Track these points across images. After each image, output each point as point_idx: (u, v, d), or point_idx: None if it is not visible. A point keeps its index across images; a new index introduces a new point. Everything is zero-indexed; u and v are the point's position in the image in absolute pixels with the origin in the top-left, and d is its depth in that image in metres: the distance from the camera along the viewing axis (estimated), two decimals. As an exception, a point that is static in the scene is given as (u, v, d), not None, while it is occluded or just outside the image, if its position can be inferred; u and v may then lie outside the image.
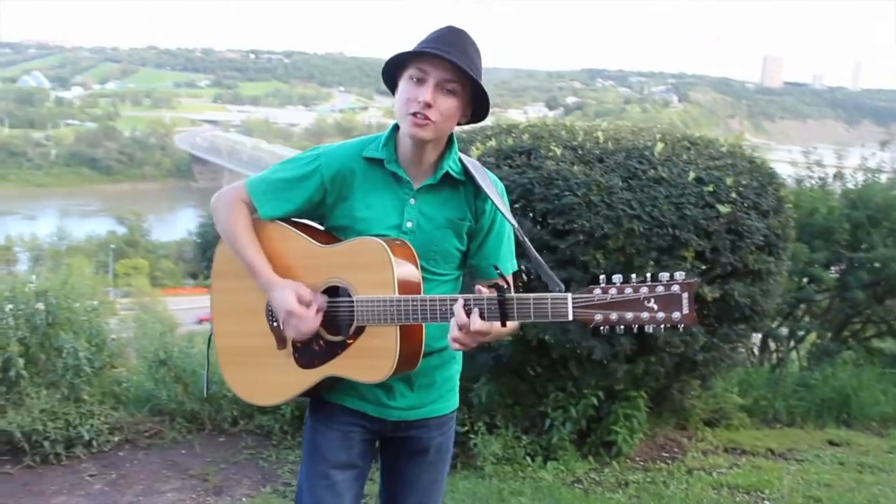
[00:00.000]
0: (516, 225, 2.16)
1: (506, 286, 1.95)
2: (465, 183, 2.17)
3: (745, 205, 4.23)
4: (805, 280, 6.86)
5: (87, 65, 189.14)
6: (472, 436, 4.62)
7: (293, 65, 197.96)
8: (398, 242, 2.08)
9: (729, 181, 4.19)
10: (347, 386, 2.17)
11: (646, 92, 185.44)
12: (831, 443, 5.43)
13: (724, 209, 4.10)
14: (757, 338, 7.02)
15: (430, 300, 1.99)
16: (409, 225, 2.13)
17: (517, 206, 4.24)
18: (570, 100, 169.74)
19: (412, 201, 2.14)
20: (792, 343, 7.36)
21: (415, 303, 1.99)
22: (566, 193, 4.06)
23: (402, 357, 2.03)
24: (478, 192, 2.15)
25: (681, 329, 1.84)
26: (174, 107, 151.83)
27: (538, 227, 4.17)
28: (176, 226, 70.22)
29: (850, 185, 7.53)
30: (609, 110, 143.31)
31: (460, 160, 2.18)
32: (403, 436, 2.27)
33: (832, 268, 7.00)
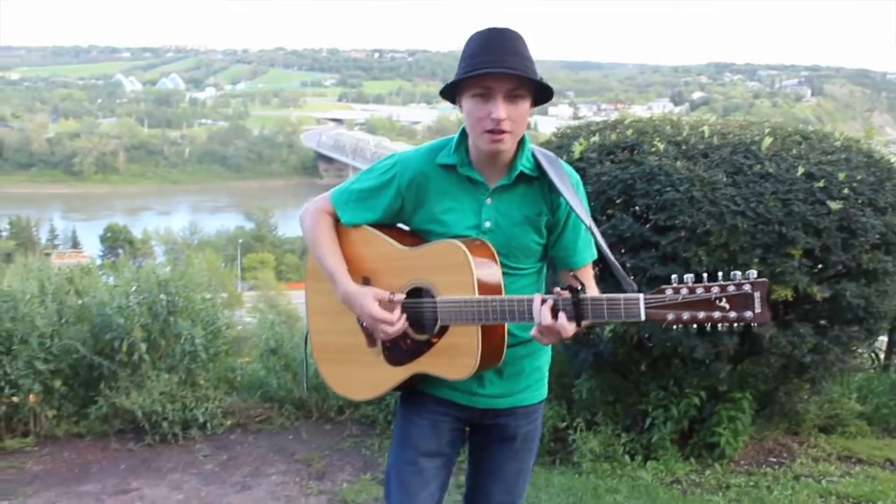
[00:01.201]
0: (590, 222, 2.17)
1: (580, 287, 1.98)
2: (540, 178, 2.19)
3: (860, 201, 4.03)
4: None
5: (219, 66, 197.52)
6: (571, 432, 4.61)
7: (416, 63, 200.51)
8: (478, 243, 2.14)
9: (841, 176, 4.00)
10: (439, 378, 2.22)
11: (776, 86, 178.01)
12: (958, 456, 5.10)
13: (834, 205, 3.92)
14: (882, 342, 6.66)
15: (508, 301, 2.05)
16: (487, 224, 2.17)
17: (618, 201, 4.19)
18: (697, 95, 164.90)
19: (488, 201, 2.18)
20: (921, 349, 6.94)
21: (494, 303, 2.05)
22: (668, 189, 3.98)
23: (484, 355, 2.10)
24: (552, 186, 2.17)
25: (755, 327, 1.82)
26: (301, 106, 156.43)
27: (639, 224, 4.11)
28: (301, 222, 72.19)
29: None
30: (737, 105, 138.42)
31: (533, 155, 2.20)
32: (491, 423, 2.32)
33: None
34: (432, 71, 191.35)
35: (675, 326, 1.89)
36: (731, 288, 1.83)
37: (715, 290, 1.84)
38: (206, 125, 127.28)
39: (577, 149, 4.36)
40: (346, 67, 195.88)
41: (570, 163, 4.30)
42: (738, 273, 1.84)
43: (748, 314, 1.82)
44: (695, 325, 1.88)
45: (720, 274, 1.86)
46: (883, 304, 4.27)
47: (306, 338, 2.45)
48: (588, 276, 2.27)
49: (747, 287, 1.82)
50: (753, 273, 1.83)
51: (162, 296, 5.22)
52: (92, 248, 55.97)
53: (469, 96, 2.08)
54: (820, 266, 4.11)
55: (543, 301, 1.98)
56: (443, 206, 2.19)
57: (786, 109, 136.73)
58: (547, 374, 2.39)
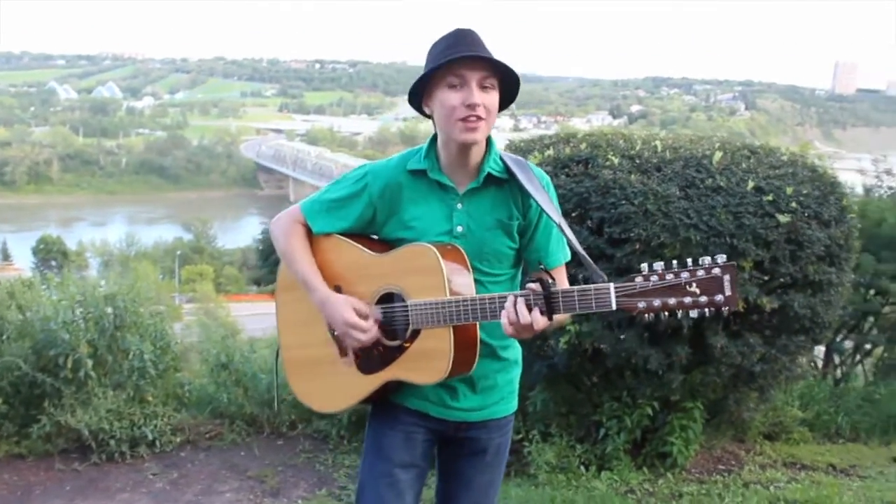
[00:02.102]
0: (560, 219, 2.18)
1: (551, 281, 1.99)
2: (510, 181, 2.21)
3: (806, 214, 4.15)
4: (872, 292, 6.67)
5: (157, 75, 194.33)
6: (526, 444, 4.63)
7: (357, 74, 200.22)
8: (449, 247, 2.14)
9: (789, 190, 4.12)
10: (412, 388, 2.23)
11: (712, 100, 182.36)
12: (896, 460, 5.27)
13: (783, 219, 4.03)
14: (820, 351, 6.85)
15: (479, 299, 2.05)
16: (459, 229, 2.18)
17: (573, 214, 4.23)
18: (635, 108, 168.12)
19: (459, 206, 2.19)
20: (857, 356, 7.17)
21: (466, 303, 2.05)
22: (623, 202, 4.04)
23: (457, 358, 2.09)
24: (522, 188, 2.18)
25: (725, 312, 1.82)
26: (240, 116, 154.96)
27: (594, 236, 4.17)
28: (240, 233, 71.53)
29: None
30: (674, 119, 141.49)
31: (501, 158, 2.22)
32: (464, 437, 2.32)
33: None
34: (373, 82, 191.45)
35: (646, 315, 1.88)
36: (701, 272, 1.83)
37: (685, 275, 1.85)
38: (144, 135, 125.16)
39: (532, 162, 4.38)
40: (287, 78, 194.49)
41: (526, 176, 4.39)
42: (707, 258, 1.84)
43: (719, 298, 1.82)
44: (665, 314, 1.87)
45: (689, 260, 1.85)
46: (827, 314, 4.40)
47: (277, 354, 2.42)
48: (562, 277, 2.28)
49: (717, 271, 1.82)
50: (722, 257, 1.83)
51: (109, 310, 5.10)
52: (23, 261, 54.34)
53: (442, 88, 2.10)
54: (767, 277, 4.21)
55: (517, 298, 1.99)
56: (414, 213, 2.20)
57: (720, 123, 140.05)
58: (518, 386, 2.39)
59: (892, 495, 4.50)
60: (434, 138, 2.21)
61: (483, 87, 2.09)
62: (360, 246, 2.24)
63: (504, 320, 2.00)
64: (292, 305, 2.35)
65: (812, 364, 6.79)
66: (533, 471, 4.51)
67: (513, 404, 2.38)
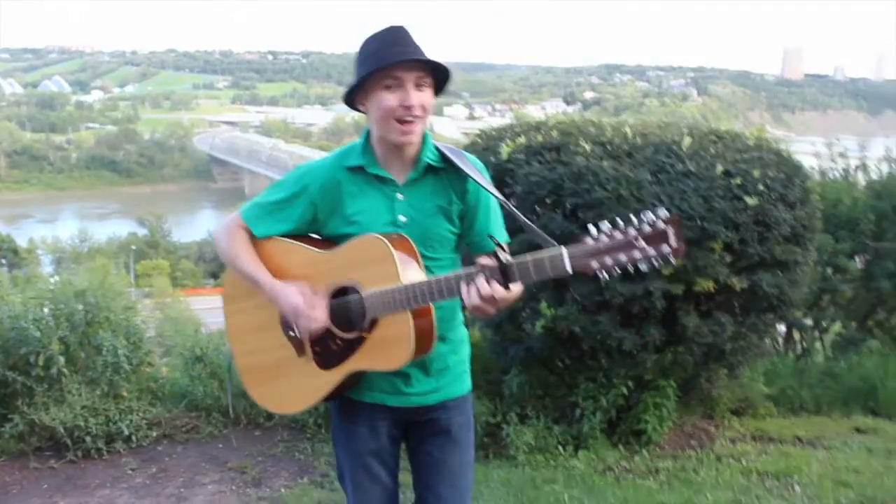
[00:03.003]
0: (501, 197, 2.26)
1: (504, 251, 2.04)
2: (446, 168, 2.26)
3: (773, 196, 4.27)
4: (830, 270, 6.87)
5: (106, 69, 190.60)
6: (504, 426, 4.71)
7: (311, 65, 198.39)
8: (395, 236, 2.18)
9: (756, 173, 4.24)
10: (367, 383, 2.29)
11: (664, 86, 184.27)
12: (858, 430, 5.43)
13: (751, 201, 4.15)
14: (782, 328, 7.04)
15: (435, 281, 2.10)
16: (402, 219, 2.23)
17: (548, 201, 4.31)
18: (588, 95, 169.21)
19: (400, 196, 2.24)
20: (817, 333, 7.37)
21: (422, 286, 2.09)
22: (596, 188, 4.13)
23: (418, 340, 2.13)
24: (459, 174, 2.25)
25: (673, 261, 1.89)
26: (193, 109, 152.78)
27: (568, 222, 4.24)
28: (195, 226, 70.73)
29: (875, 176, 7.52)
30: (627, 105, 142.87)
31: (436, 148, 2.28)
32: (424, 420, 2.37)
33: (857, 258, 7.00)
34: (327, 73, 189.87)
35: (602, 273, 1.93)
36: (647, 228, 1.89)
37: (632, 231, 1.90)
38: (94, 129, 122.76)
39: (505, 150, 4.47)
40: (240, 69, 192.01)
41: (499, 164, 4.45)
42: (650, 212, 1.90)
43: (666, 248, 1.89)
44: (617, 269, 1.92)
45: (632, 216, 1.92)
46: (794, 292, 4.55)
47: (230, 365, 2.46)
48: None
49: (661, 225, 1.89)
50: (663, 211, 1.90)
51: (80, 306, 5.05)
52: (-30, 260, 53.12)
53: (379, 90, 2.15)
54: (737, 258, 4.33)
55: (478, 274, 2.04)
56: (356, 208, 2.24)
57: (673, 108, 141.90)
58: (469, 366, 2.45)
59: (857, 463, 4.66)
60: (367, 134, 2.26)
61: (418, 87, 2.15)
62: (306, 245, 2.28)
63: (466, 295, 2.04)
64: (242, 315, 2.38)
65: (774, 341, 6.98)
66: (512, 452, 4.59)
67: (467, 383, 2.44)
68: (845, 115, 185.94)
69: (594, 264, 1.92)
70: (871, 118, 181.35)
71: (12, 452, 4.85)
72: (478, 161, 2.33)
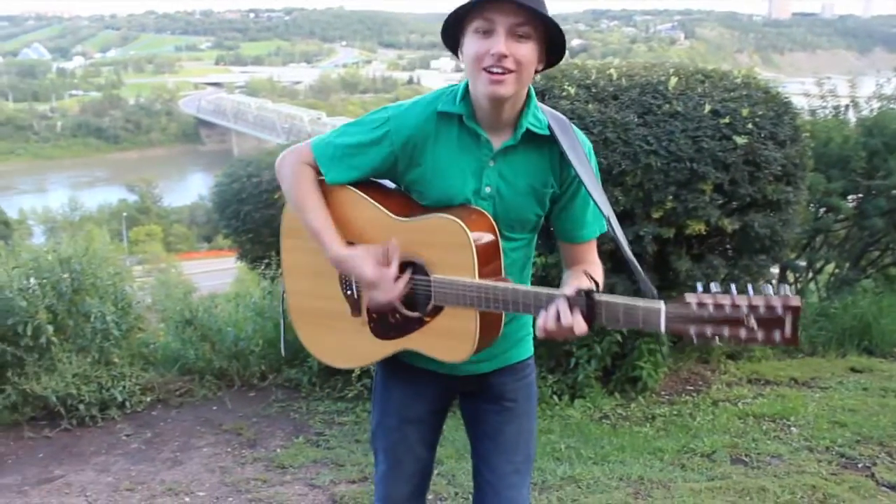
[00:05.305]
0: (611, 215, 1.97)
1: (595, 285, 1.86)
2: (550, 143, 1.98)
3: (762, 135, 4.21)
4: (822, 210, 6.83)
5: (86, 34, 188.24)
6: (498, 378, 4.69)
7: (294, 22, 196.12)
8: (474, 216, 1.95)
9: (745, 112, 4.16)
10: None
11: (651, 31, 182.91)
12: (853, 370, 5.45)
13: (740, 140, 4.08)
14: (775, 270, 7.02)
15: (511, 291, 1.87)
16: (487, 190, 1.98)
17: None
18: (576, 42, 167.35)
19: (492, 163, 1.97)
20: (811, 274, 7.36)
21: (497, 292, 1.88)
22: (582, 132, 4.04)
23: (482, 339, 1.97)
24: (563, 156, 1.97)
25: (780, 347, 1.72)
26: (177, 71, 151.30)
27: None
28: (187, 190, 70.40)
29: (865, 114, 7.44)
30: (615, 51, 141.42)
31: (542, 114, 2.01)
32: (478, 387, 2.20)
33: (849, 197, 6.95)
34: (310, 29, 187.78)
35: (696, 341, 1.73)
36: (762, 309, 1.64)
37: (744, 308, 1.65)
38: (78, 96, 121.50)
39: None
40: (222, 29, 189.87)
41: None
42: (770, 287, 1.66)
43: (776, 336, 1.65)
44: (717, 341, 1.71)
45: (750, 286, 1.67)
46: (786, 232, 4.50)
47: (283, 298, 2.28)
48: (592, 252, 2.12)
49: (779, 311, 1.64)
50: (786, 289, 1.65)
51: (65, 275, 4.99)
52: (-39, 233, 52.86)
53: (469, 34, 1.88)
54: (728, 199, 4.28)
55: (562, 300, 1.80)
56: (440, 166, 1.98)
57: (661, 53, 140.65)
58: (531, 331, 2.17)
59: (853, 402, 4.67)
60: (468, 84, 1.95)
61: (516, 36, 1.83)
62: (377, 204, 2.03)
63: (543, 317, 1.81)
64: (299, 253, 2.20)
65: (768, 283, 6.95)
66: (507, 404, 4.58)
67: (526, 349, 2.22)
68: (834, 54, 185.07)
69: (692, 331, 1.69)
70: (860, 56, 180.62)
71: (6, 423, 4.82)
72: (587, 141, 2.05)
